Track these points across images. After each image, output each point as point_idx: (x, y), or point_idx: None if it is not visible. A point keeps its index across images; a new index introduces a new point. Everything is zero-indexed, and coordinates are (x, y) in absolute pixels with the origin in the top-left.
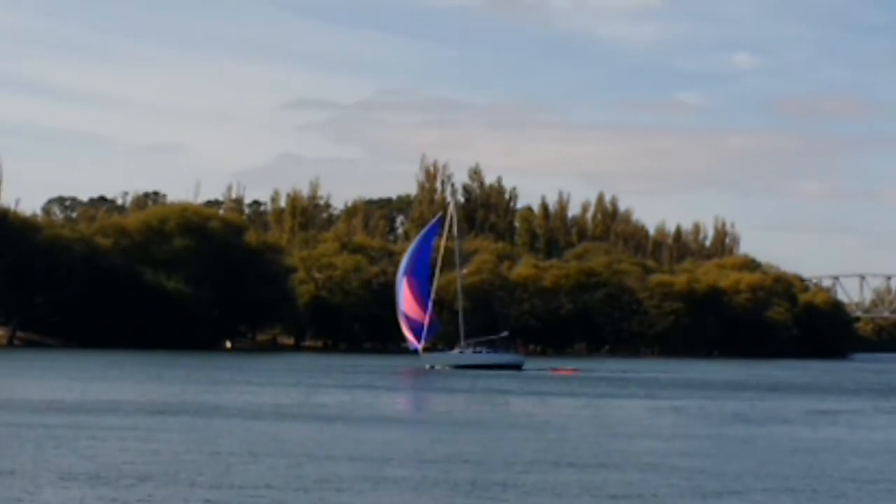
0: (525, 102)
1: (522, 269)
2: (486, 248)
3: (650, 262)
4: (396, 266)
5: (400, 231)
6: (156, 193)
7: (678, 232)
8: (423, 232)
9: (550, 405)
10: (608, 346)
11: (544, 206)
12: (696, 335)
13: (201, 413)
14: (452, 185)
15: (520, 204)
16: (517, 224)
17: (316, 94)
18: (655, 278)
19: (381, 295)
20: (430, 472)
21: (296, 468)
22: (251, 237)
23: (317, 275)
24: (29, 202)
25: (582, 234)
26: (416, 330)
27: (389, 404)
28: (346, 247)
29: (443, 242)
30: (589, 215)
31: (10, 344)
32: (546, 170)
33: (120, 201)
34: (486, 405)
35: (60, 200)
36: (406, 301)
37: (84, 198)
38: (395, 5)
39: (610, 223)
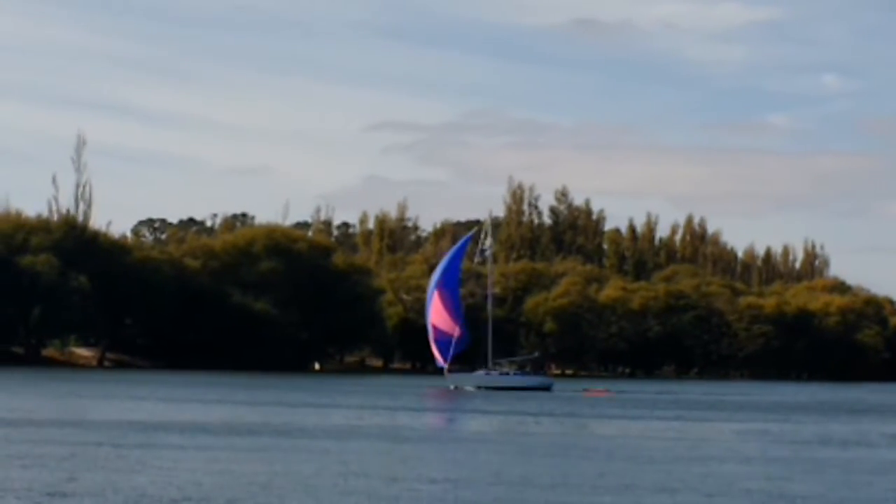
0: (611, 124)
1: (611, 291)
2: (574, 271)
3: (739, 285)
4: (485, 288)
5: (488, 253)
6: (244, 215)
7: (767, 254)
8: (455, 246)
9: (635, 430)
10: (697, 368)
11: (632, 229)
12: (785, 358)
13: (285, 434)
14: (490, 212)
15: (607, 226)
16: (605, 246)
17: (401, 116)
18: (744, 301)
19: (469, 317)
20: (524, 495)
21: (375, 489)
22: (339, 259)
23: (405, 297)
24: (119, 224)
25: (670, 257)
26: (444, 343)
27: (476, 426)
28: (434, 269)
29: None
30: (677, 237)
31: (100, 365)
32: (633, 192)
33: (209, 223)
34: (567, 429)
35: (150, 222)
36: (436, 311)
37: (173, 220)
38: (480, 28)
39: (698, 245)
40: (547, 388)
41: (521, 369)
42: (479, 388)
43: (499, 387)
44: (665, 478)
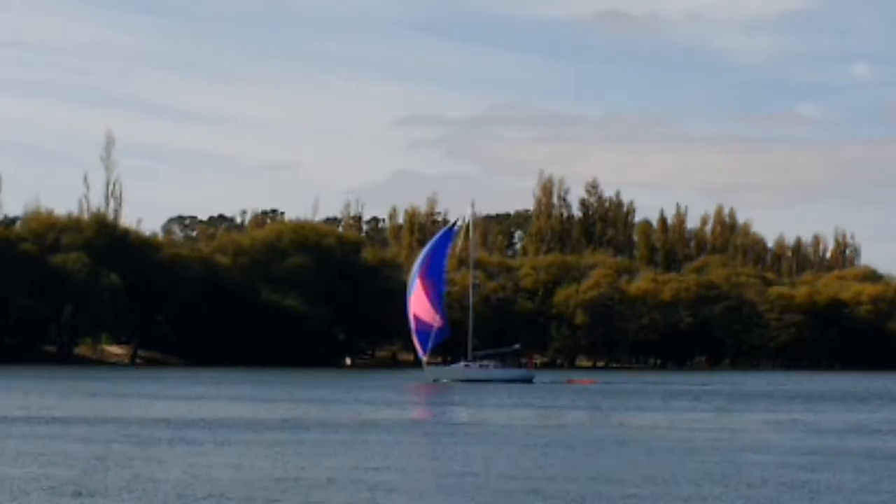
0: (640, 116)
1: (641, 282)
2: (604, 263)
3: (770, 275)
4: (516, 282)
5: (518, 246)
6: (274, 211)
7: (798, 244)
8: (438, 234)
9: (677, 421)
10: (728, 359)
11: (663, 220)
12: (817, 347)
13: (314, 429)
14: (472, 204)
15: (637, 218)
16: (635, 238)
17: (429, 110)
18: (775, 291)
19: (500, 310)
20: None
21: (393, 482)
22: (369, 254)
23: None
24: (149, 222)
25: (701, 247)
26: (424, 333)
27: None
28: (465, 262)
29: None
30: (708, 228)
31: (131, 363)
32: (662, 183)
33: (239, 219)
34: (605, 421)
35: (180, 219)
36: (418, 301)
37: (203, 216)
38: (507, 21)
39: (729, 236)
40: (528, 381)
41: (501, 361)
42: (457, 380)
43: (478, 379)
44: (694, 469)
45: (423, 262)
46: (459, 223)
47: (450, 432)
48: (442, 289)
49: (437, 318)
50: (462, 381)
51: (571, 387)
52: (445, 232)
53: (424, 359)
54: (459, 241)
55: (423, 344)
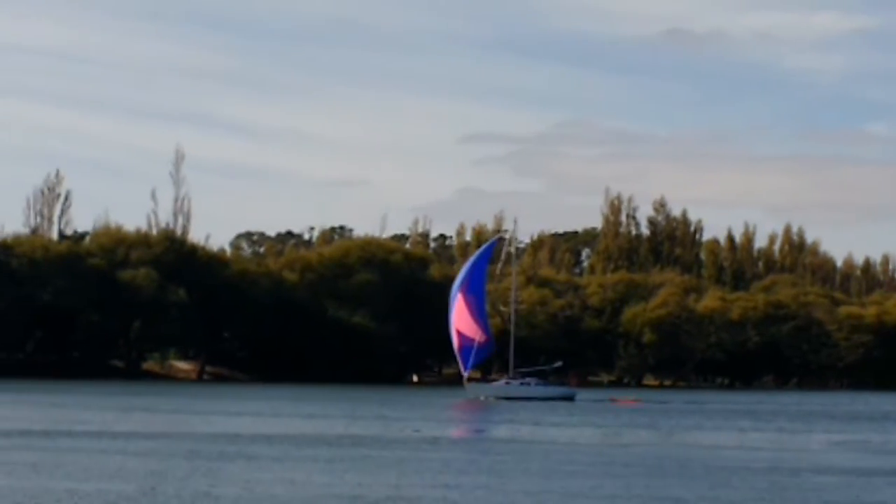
0: (706, 134)
1: (709, 301)
2: (672, 281)
3: (838, 294)
4: (584, 300)
5: (586, 264)
6: (342, 228)
7: (867, 263)
8: (479, 251)
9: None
10: (796, 378)
11: (730, 239)
12: (886, 368)
13: (375, 445)
14: (515, 221)
15: (704, 236)
16: (703, 256)
17: (496, 128)
18: (844, 310)
19: (567, 328)
20: None
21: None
22: (436, 270)
23: (502, 308)
24: (217, 238)
25: (769, 266)
26: (467, 349)
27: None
28: (532, 280)
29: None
30: (776, 247)
31: (199, 378)
32: (729, 202)
33: (307, 236)
34: (669, 442)
35: (248, 236)
36: (460, 316)
37: (271, 233)
38: (572, 39)
39: (797, 255)
40: (570, 399)
41: (544, 379)
42: (499, 398)
43: (519, 397)
44: (752, 489)
45: (465, 277)
46: (508, 236)
47: (506, 450)
48: (483, 304)
49: (480, 333)
50: (503, 398)
51: (629, 406)
52: (486, 248)
53: (466, 375)
54: (525, 259)
55: (466, 360)
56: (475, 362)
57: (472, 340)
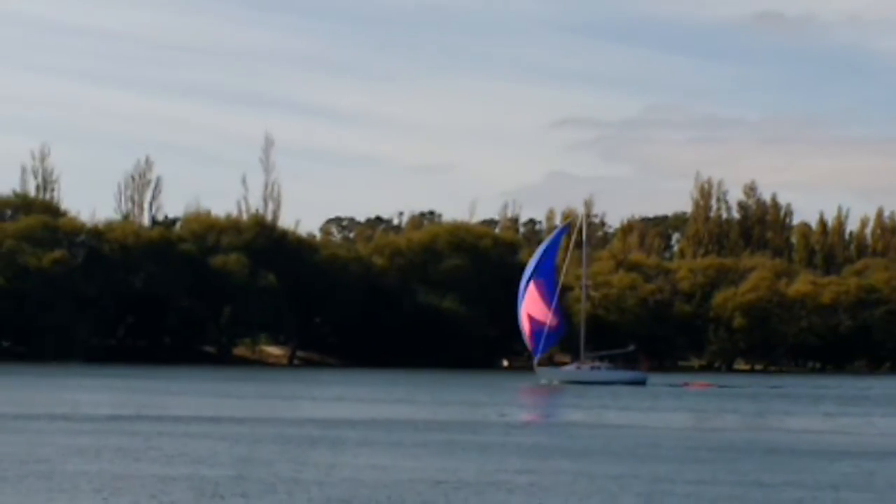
0: (797, 118)
1: (800, 285)
2: (762, 265)
3: None
4: (674, 285)
5: (675, 249)
6: (431, 213)
7: None
8: (550, 237)
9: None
10: (889, 363)
11: (822, 222)
12: None
13: (461, 430)
14: (585, 203)
15: (795, 220)
16: (793, 240)
17: (585, 112)
18: None
19: (658, 313)
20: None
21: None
22: (525, 255)
23: (592, 293)
24: (307, 223)
25: (860, 250)
26: (537, 333)
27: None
28: (622, 265)
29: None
30: (868, 230)
31: (290, 363)
32: (820, 185)
33: (396, 221)
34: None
35: (338, 221)
36: (531, 300)
37: (361, 218)
38: (661, 23)
39: (890, 238)
40: (641, 383)
41: (614, 363)
42: (569, 382)
43: (590, 381)
44: (834, 473)
45: (537, 262)
46: (578, 222)
47: (590, 434)
48: (554, 289)
49: (551, 316)
50: (573, 382)
51: (700, 390)
52: (557, 233)
53: (536, 360)
54: (615, 244)
55: (537, 345)
56: (546, 347)
57: (543, 325)
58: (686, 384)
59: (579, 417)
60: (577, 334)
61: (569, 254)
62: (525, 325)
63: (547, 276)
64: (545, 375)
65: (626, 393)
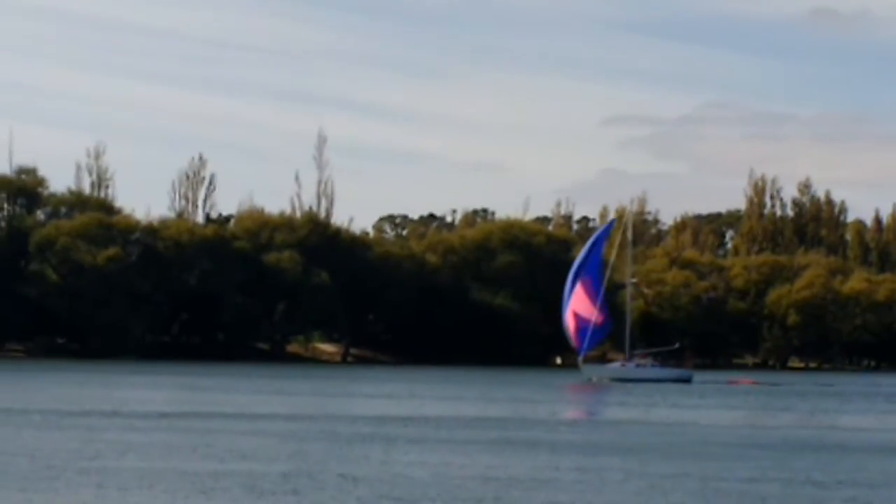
0: (851, 114)
1: (855, 283)
2: (817, 263)
3: None
4: (728, 282)
5: (730, 246)
6: (485, 210)
7: None
8: (596, 234)
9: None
10: None
11: (877, 219)
12: None
13: (512, 427)
14: (631, 201)
15: (849, 217)
16: (848, 238)
17: (637, 109)
18: None
19: (711, 311)
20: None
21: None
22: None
23: (646, 290)
24: (360, 220)
25: None
26: (583, 329)
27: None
28: (676, 262)
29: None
30: None
31: (343, 360)
32: (875, 182)
33: (449, 218)
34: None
35: (391, 218)
36: (578, 298)
37: (414, 215)
38: (716, 19)
39: None
40: (686, 381)
41: (660, 361)
42: (614, 379)
43: (635, 379)
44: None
45: (583, 259)
46: (625, 219)
47: (641, 432)
48: (600, 286)
49: (596, 313)
50: (618, 380)
51: (746, 387)
52: (602, 231)
53: (581, 357)
54: (668, 242)
55: (582, 342)
56: (591, 344)
57: (588, 322)
58: (732, 381)
59: (627, 414)
60: (629, 331)
61: (619, 251)
62: (570, 323)
63: (593, 272)
64: (590, 373)
65: (672, 390)
